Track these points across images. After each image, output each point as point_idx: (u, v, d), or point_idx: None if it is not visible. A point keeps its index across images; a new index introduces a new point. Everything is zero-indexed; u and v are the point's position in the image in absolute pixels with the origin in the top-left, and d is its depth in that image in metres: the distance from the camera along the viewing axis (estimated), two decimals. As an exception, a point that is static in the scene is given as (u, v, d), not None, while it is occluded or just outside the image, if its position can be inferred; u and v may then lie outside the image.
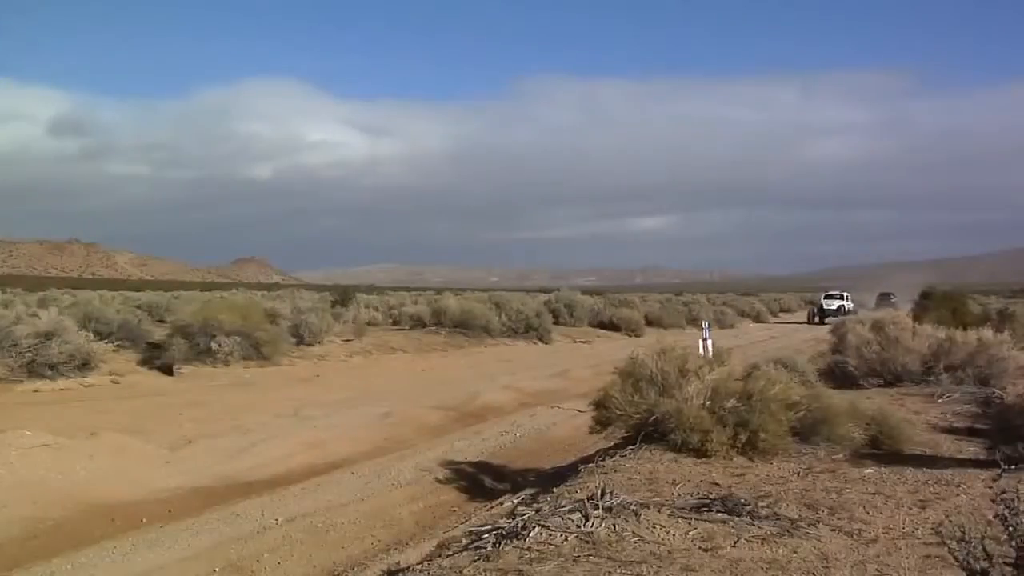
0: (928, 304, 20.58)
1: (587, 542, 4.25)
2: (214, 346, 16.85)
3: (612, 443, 7.58)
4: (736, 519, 4.58)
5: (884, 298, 58.27)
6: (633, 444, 7.04)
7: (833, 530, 4.50)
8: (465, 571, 4.00)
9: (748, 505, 4.80)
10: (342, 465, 9.36)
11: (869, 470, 6.07)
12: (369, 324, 25.93)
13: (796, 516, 4.74)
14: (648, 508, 4.72)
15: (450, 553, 4.65)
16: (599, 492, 4.91)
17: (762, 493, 5.31)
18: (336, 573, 6.12)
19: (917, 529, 4.54)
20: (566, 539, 4.30)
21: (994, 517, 2.77)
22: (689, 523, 4.54)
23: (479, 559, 4.18)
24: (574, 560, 3.97)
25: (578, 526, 4.44)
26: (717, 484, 5.64)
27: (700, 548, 4.16)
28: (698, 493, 5.33)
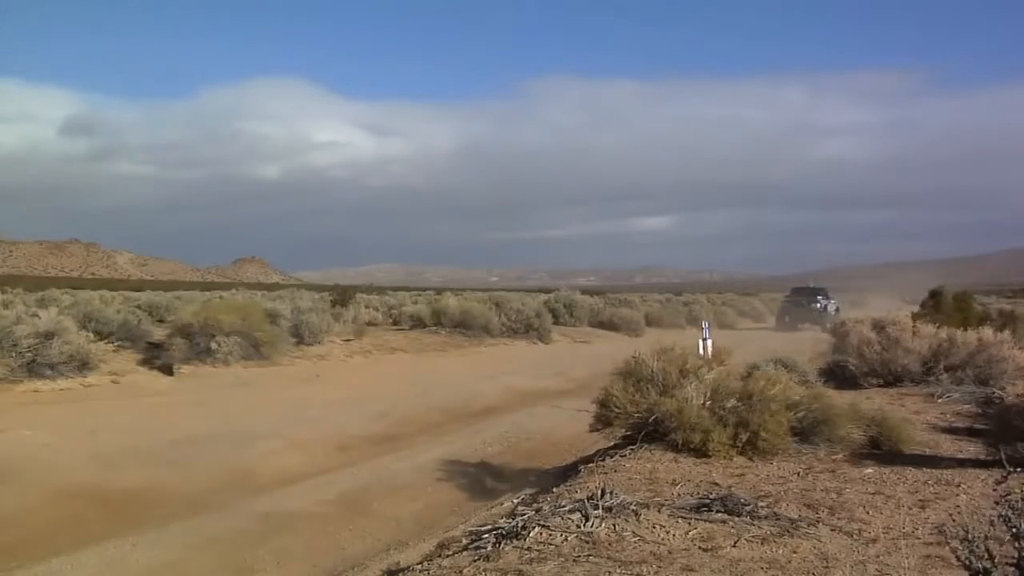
0: (933, 303, 20.51)
1: (587, 542, 4.24)
2: (214, 346, 16.84)
3: (612, 443, 7.58)
4: (736, 519, 4.58)
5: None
6: (633, 444, 7.04)
7: (833, 530, 4.50)
8: (465, 571, 4.00)
9: (748, 505, 4.80)
10: (342, 465, 9.34)
11: (869, 470, 6.07)
12: (369, 324, 25.93)
13: (796, 516, 4.74)
14: (648, 508, 4.72)
15: (450, 553, 4.64)
16: (599, 492, 4.91)
17: (762, 493, 5.31)
18: (336, 573, 6.12)
19: (917, 529, 4.54)
20: (566, 539, 4.30)
21: (998, 518, 2.76)
22: (689, 523, 4.54)
23: (479, 559, 4.18)
24: (574, 560, 3.97)
25: (578, 526, 4.44)
26: (717, 484, 5.63)
27: (700, 548, 4.16)
28: (698, 493, 5.32)
